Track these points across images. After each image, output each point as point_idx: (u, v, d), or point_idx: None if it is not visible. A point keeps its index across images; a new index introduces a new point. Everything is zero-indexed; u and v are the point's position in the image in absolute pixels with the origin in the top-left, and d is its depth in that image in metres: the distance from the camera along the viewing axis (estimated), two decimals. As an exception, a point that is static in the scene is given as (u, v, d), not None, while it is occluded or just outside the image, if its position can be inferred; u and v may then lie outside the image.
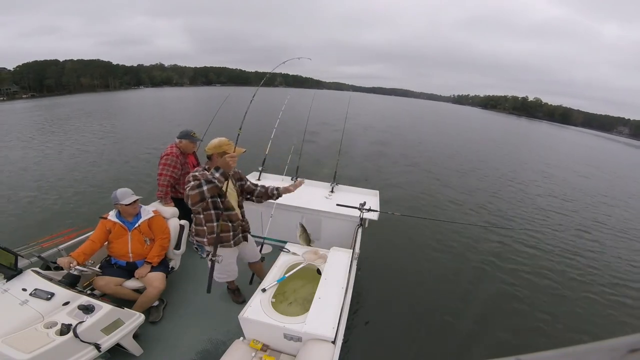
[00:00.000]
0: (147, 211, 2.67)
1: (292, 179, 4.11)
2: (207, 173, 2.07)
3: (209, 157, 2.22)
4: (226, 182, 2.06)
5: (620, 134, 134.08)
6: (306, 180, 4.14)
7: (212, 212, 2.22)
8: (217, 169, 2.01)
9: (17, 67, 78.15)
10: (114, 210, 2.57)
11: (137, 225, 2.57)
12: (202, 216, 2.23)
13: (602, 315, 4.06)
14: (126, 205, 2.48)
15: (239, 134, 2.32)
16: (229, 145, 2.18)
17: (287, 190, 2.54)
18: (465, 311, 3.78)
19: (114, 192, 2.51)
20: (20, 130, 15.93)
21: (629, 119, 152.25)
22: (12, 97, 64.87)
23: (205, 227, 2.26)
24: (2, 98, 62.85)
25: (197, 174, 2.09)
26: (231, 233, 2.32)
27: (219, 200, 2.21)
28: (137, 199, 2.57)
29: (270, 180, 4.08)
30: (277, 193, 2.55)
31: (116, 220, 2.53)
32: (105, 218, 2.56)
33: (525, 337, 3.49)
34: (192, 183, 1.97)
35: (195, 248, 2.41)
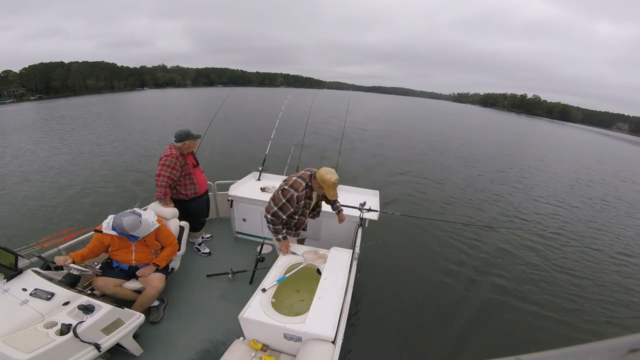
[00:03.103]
0: (151, 223, 2.50)
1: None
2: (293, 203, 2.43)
3: (313, 177, 2.46)
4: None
5: (619, 130, 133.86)
6: None
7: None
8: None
9: (23, 69, 78.86)
10: (108, 221, 2.40)
11: (141, 237, 2.47)
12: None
13: (603, 314, 4.02)
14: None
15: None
16: (329, 188, 2.40)
17: (340, 217, 2.90)
18: (465, 311, 3.76)
19: (117, 220, 2.28)
20: (35, 130, 16.21)
21: (628, 116, 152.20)
22: (20, 99, 65.30)
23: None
24: (11, 100, 63.41)
25: (291, 195, 2.39)
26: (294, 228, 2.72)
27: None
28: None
29: (271, 180, 4.07)
30: (336, 210, 2.90)
31: (114, 233, 2.36)
32: (100, 231, 2.37)
33: (525, 336, 3.47)
34: (276, 225, 2.47)
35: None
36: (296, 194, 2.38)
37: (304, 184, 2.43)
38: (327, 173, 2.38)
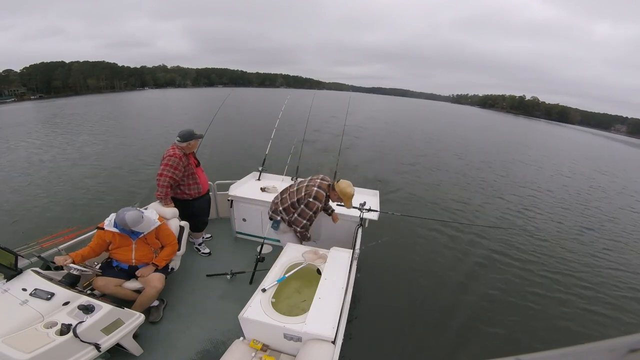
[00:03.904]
0: (153, 220, 2.51)
1: (292, 179, 4.10)
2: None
3: (332, 187, 2.66)
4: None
5: (617, 132, 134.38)
6: None
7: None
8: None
9: (24, 68, 78.68)
10: (110, 218, 2.43)
11: (142, 235, 2.48)
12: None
13: (602, 314, 4.02)
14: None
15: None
16: (348, 200, 2.64)
17: (333, 217, 3.07)
18: (465, 311, 3.76)
19: (120, 215, 2.30)
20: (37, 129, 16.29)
21: (627, 117, 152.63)
22: (21, 98, 65.41)
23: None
24: (13, 99, 63.59)
25: (317, 207, 2.61)
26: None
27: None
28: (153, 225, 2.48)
29: (271, 180, 4.07)
30: (329, 209, 3.07)
31: (115, 230, 2.39)
32: (102, 228, 2.40)
33: (525, 336, 3.47)
34: (305, 233, 2.72)
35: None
36: (321, 205, 2.60)
37: (324, 194, 2.61)
38: (347, 186, 2.61)
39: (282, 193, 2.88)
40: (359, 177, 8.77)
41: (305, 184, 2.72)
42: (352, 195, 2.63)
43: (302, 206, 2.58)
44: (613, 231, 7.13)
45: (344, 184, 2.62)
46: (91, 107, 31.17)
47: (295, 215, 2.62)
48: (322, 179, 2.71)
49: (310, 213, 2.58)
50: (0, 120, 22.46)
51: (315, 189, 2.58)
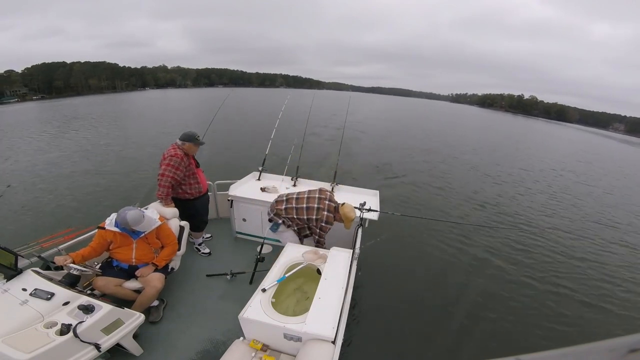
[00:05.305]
0: (154, 220, 2.53)
1: (292, 179, 4.10)
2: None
3: (337, 209, 2.84)
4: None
5: (616, 130, 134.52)
6: (307, 181, 4.16)
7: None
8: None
9: (25, 69, 78.80)
10: (111, 218, 2.45)
11: (142, 234, 2.48)
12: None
13: (601, 314, 4.01)
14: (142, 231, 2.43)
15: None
16: (349, 222, 2.83)
17: None
18: (465, 310, 3.75)
19: (122, 214, 2.31)
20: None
21: (625, 116, 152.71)
22: (23, 99, 65.71)
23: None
24: (15, 99, 63.98)
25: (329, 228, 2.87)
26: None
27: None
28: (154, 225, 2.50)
29: (271, 180, 4.07)
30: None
31: (116, 229, 2.40)
32: (103, 228, 2.42)
33: (525, 336, 3.47)
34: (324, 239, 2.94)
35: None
36: (331, 227, 2.86)
37: (333, 217, 2.82)
38: (351, 211, 2.82)
39: (288, 202, 2.87)
40: (357, 181, 8.77)
41: (315, 205, 2.78)
42: (354, 218, 2.83)
43: (318, 230, 2.85)
44: (616, 231, 7.12)
45: (348, 209, 2.82)
46: (94, 107, 31.24)
47: (317, 237, 2.91)
48: (329, 200, 2.84)
49: (325, 234, 2.90)
50: (6, 119, 22.50)
51: (326, 213, 2.79)
